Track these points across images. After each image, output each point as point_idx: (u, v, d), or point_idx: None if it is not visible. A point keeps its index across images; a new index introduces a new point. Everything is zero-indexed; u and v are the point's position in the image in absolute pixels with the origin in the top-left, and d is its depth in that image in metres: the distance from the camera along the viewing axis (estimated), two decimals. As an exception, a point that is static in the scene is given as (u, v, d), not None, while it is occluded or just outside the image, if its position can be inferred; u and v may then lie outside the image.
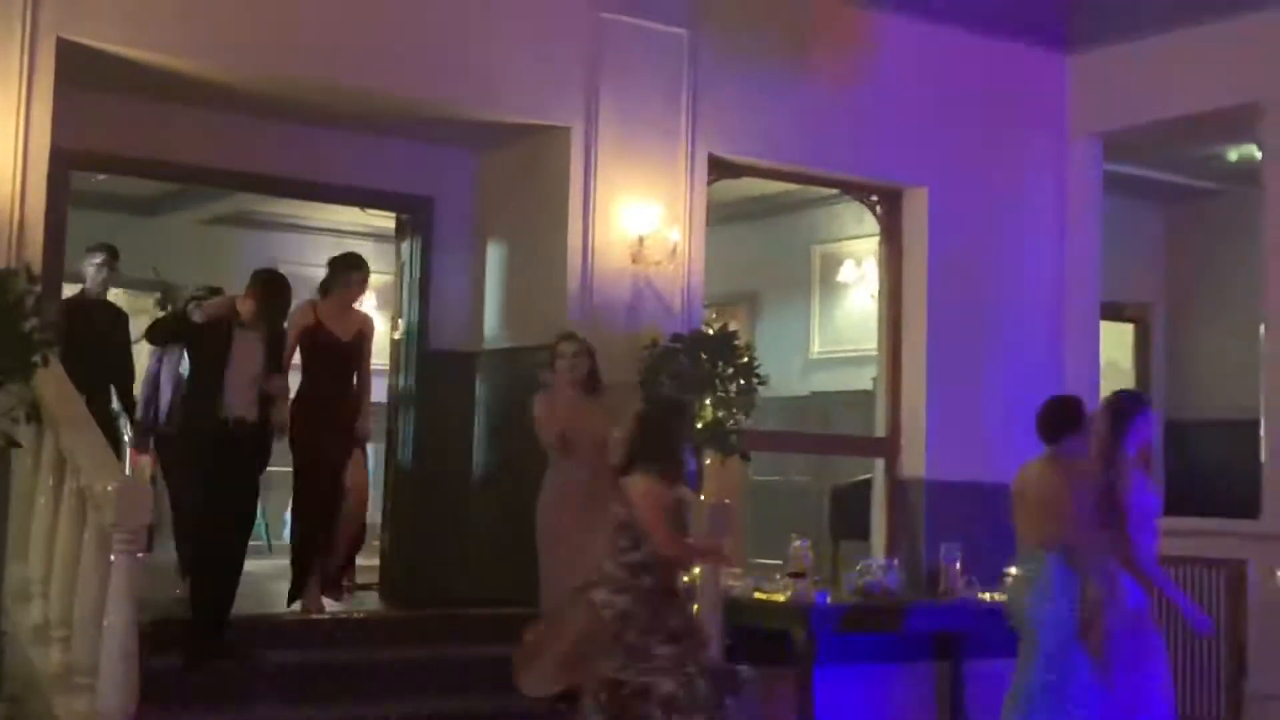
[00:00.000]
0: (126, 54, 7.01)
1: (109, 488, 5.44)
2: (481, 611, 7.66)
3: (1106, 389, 9.97)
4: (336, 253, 13.29)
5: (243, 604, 6.92)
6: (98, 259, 8.15)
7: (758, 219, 11.33)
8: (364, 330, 7.70)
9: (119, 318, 8.34)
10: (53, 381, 6.19)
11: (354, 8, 7.47)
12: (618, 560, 5.64)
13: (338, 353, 7.55)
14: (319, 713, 6.41)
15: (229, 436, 6.72)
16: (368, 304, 12.92)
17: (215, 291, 8.10)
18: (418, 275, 8.71)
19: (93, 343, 7.78)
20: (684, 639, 5.63)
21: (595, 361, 7.33)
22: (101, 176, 9.26)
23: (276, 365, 7.02)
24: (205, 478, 6.77)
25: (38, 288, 6.14)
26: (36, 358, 6.01)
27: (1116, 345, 11.19)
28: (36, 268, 6.39)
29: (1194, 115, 9.11)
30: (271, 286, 6.96)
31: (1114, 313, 10.63)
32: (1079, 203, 9.64)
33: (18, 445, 6.25)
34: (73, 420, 6.04)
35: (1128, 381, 11.47)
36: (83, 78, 7.00)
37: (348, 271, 7.68)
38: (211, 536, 6.73)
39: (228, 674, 6.49)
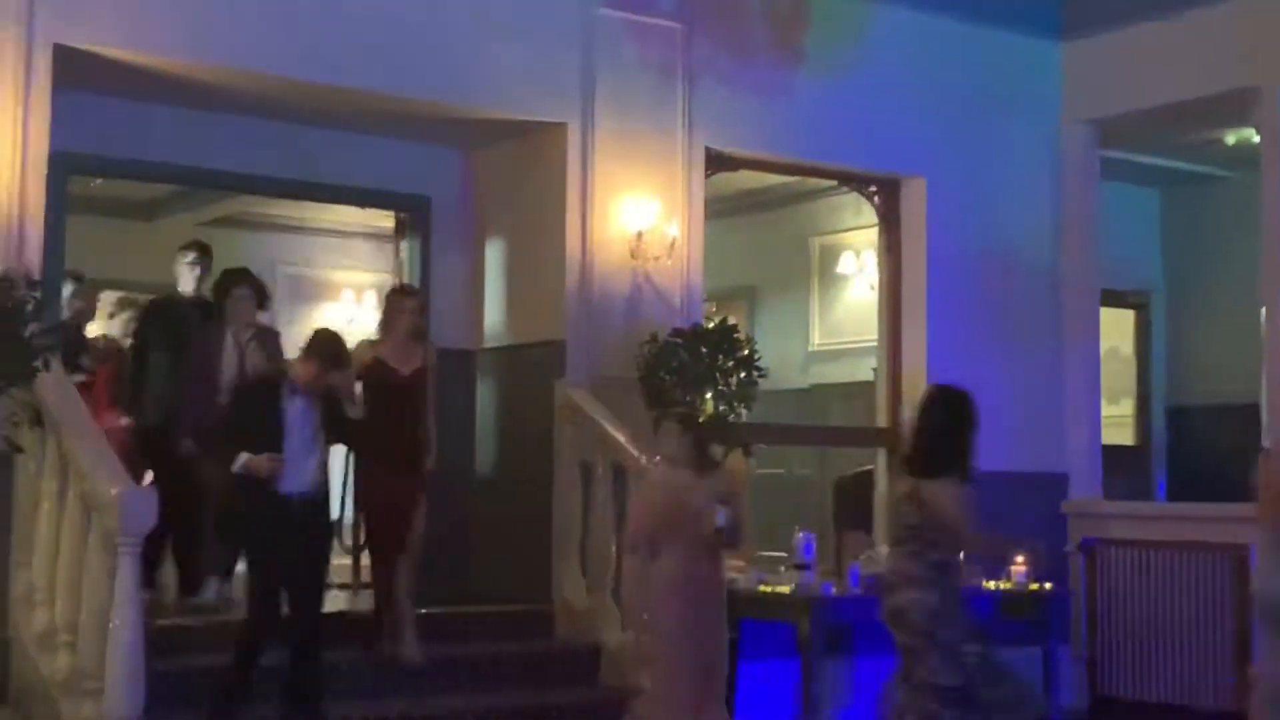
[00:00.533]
0: (123, 58, 7.02)
1: (112, 492, 5.45)
2: (486, 609, 7.68)
3: (1107, 376, 10.01)
4: (337, 253, 13.37)
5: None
6: (189, 257, 7.90)
7: (756, 212, 11.33)
8: (426, 364, 7.26)
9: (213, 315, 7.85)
10: (55, 386, 6.21)
11: (348, 9, 7.47)
12: (918, 561, 5.59)
13: (399, 389, 7.12)
14: (329, 710, 6.40)
15: (292, 516, 6.30)
16: (367, 303, 13.11)
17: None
18: (417, 274, 8.71)
19: (186, 343, 7.57)
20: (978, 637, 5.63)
21: (701, 433, 6.71)
22: (99, 180, 9.26)
23: (338, 432, 6.60)
24: (271, 564, 6.31)
25: (37, 293, 6.16)
26: (38, 363, 6.04)
27: (1117, 332, 11.19)
28: (36, 273, 6.42)
29: (1190, 100, 9.10)
30: (334, 350, 6.49)
31: (1114, 299, 10.63)
32: (1076, 190, 9.64)
33: (20, 450, 6.27)
34: (75, 425, 6.06)
35: (1128, 369, 11.48)
36: (79, 82, 7.00)
37: (399, 299, 7.37)
38: (273, 617, 6.30)
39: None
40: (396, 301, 7.37)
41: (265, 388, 6.57)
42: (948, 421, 5.88)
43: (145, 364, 7.70)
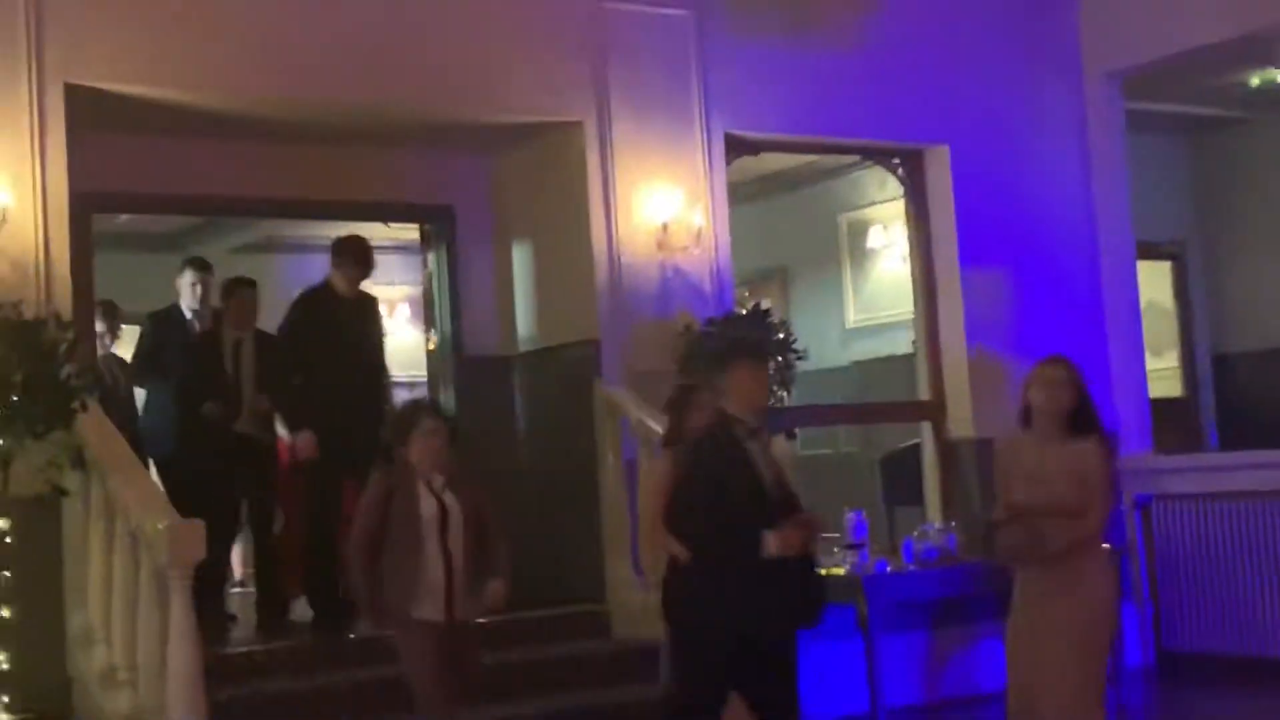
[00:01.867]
0: (135, 93, 7.02)
1: (159, 527, 5.45)
2: (543, 613, 7.64)
3: (1149, 330, 9.90)
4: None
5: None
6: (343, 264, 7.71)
7: (782, 193, 11.27)
8: None
9: (368, 308, 7.82)
10: (95, 426, 6.21)
11: (354, 25, 7.43)
12: None
13: None
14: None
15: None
16: (400, 315, 13.10)
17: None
18: (446, 284, 8.69)
19: (342, 339, 7.48)
20: None
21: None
22: (124, 217, 9.29)
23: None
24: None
25: (69, 334, 6.16)
26: (75, 404, 6.05)
27: (1155, 284, 11.07)
28: (66, 314, 6.42)
29: (1211, 44, 8.96)
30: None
31: (1149, 251, 10.52)
32: (1102, 144, 9.54)
33: (65, 493, 6.28)
34: (118, 462, 6.06)
35: (1170, 321, 11.35)
36: (94, 120, 7.00)
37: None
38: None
39: (303, 695, 6.50)
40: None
41: (722, 434, 5.31)
42: None
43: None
